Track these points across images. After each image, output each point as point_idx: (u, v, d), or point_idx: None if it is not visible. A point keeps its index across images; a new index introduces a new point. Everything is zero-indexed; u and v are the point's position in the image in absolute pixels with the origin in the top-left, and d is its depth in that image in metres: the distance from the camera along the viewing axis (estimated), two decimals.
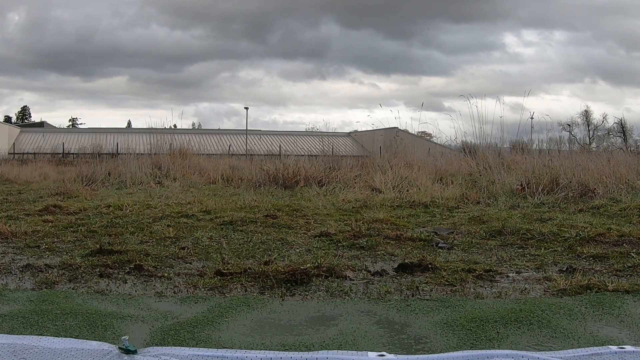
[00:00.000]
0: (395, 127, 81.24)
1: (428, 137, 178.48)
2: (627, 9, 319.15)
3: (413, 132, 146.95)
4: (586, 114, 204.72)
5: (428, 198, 8.56)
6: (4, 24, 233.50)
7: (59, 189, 10.09)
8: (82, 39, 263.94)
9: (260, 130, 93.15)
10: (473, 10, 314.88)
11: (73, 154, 69.55)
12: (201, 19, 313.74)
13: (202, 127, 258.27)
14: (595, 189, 8.37)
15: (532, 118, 63.08)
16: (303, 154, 75.20)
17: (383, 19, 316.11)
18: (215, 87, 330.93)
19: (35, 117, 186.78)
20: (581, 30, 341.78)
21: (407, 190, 9.23)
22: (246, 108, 74.33)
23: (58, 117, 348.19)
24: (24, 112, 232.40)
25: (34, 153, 69.48)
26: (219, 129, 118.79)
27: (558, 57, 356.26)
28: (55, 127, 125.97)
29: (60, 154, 40.45)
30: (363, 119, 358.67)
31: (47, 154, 69.73)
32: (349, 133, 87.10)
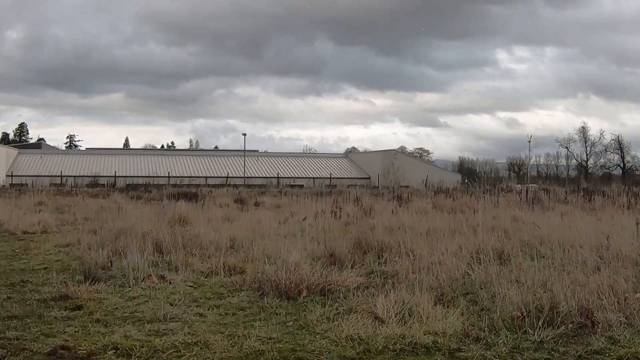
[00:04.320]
0: (392, 150, 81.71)
1: (426, 154, 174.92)
2: (615, 25, 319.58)
3: (411, 150, 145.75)
4: (583, 131, 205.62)
5: (430, 339, 8.50)
6: (2, 41, 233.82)
7: (61, 290, 9.78)
8: (80, 56, 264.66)
9: (258, 152, 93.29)
10: (464, 27, 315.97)
11: (71, 176, 69.73)
12: (196, 36, 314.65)
13: (199, 145, 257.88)
14: (594, 317, 8.34)
15: (530, 141, 62.90)
16: (301, 176, 75.46)
17: (376, 35, 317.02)
18: (212, 104, 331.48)
19: (33, 134, 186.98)
20: (571, 47, 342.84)
21: (410, 318, 9.16)
22: (244, 134, 74.34)
23: (56, 133, 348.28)
24: (22, 129, 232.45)
25: (33, 176, 69.58)
26: (216, 149, 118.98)
27: (550, 73, 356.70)
28: (52, 146, 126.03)
29: (58, 183, 40.44)
30: (360, 135, 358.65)
31: (45, 176, 69.85)
32: (345, 154, 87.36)
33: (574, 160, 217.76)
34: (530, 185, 56.19)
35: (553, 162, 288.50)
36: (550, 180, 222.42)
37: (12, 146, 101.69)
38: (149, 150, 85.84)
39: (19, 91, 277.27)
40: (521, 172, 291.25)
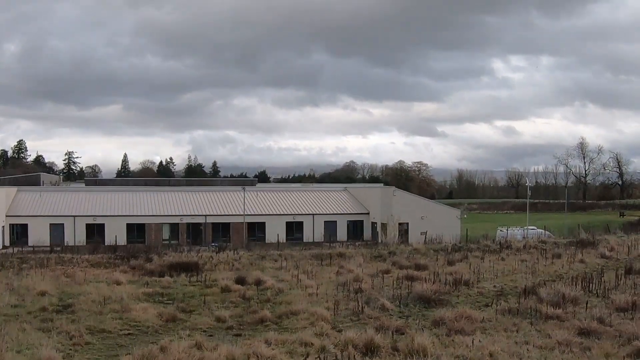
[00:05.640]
0: (392, 187, 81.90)
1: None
2: (610, 33, 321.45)
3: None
4: (582, 146, 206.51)
5: None
6: (0, 53, 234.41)
7: None
8: (78, 68, 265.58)
9: (257, 186, 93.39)
10: (460, 38, 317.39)
11: (70, 216, 69.98)
12: (193, 48, 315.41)
13: (197, 160, 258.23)
14: None
15: (529, 191, 63.05)
16: (301, 212, 75.63)
17: (372, 46, 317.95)
18: (210, 115, 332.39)
19: (31, 147, 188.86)
20: (567, 55, 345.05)
21: None
22: (253, 180, 74.11)
23: (54, 145, 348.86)
24: (20, 147, 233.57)
25: (32, 216, 69.67)
26: (215, 179, 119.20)
27: (546, 82, 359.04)
28: (51, 174, 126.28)
29: (59, 248, 40.51)
30: (358, 145, 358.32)
31: (44, 216, 70.02)
32: (345, 187, 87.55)
33: (572, 177, 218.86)
34: (531, 230, 56.36)
35: (552, 174, 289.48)
36: (549, 194, 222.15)
37: (11, 178, 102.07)
38: (147, 187, 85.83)
39: (17, 103, 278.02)
40: (519, 186, 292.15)
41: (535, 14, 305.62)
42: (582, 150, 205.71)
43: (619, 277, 28.47)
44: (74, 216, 70.68)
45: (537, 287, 25.75)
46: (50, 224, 70.15)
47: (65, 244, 68.32)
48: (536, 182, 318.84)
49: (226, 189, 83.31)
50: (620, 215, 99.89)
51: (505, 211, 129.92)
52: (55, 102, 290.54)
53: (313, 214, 76.16)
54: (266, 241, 73.65)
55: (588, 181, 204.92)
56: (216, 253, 38.32)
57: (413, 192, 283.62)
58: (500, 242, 43.88)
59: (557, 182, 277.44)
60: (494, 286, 27.52)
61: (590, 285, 26.23)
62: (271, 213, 75.62)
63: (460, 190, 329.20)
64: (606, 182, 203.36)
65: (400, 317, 21.23)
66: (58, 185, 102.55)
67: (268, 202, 78.44)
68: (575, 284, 26.15)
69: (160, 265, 34.24)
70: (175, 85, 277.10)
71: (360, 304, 22.67)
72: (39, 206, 72.86)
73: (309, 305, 22.59)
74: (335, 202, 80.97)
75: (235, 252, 38.52)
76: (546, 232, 56.09)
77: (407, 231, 72.32)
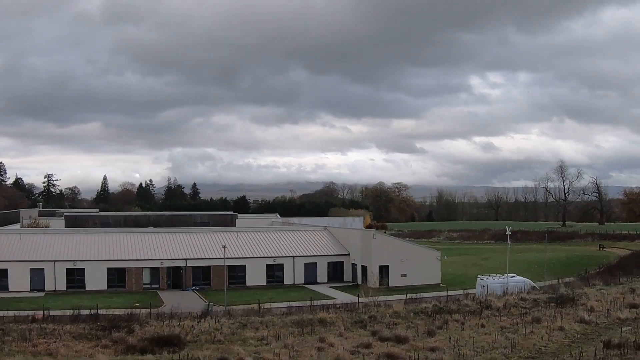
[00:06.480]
0: (372, 230, 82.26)
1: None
2: (587, 49, 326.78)
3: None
4: (561, 169, 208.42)
5: None
6: None
7: None
8: (57, 85, 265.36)
9: (237, 226, 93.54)
10: (437, 54, 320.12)
11: (50, 261, 69.63)
12: (172, 66, 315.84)
13: (177, 181, 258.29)
14: None
15: (509, 240, 63.40)
16: (281, 254, 75.80)
17: (350, 64, 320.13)
18: (189, 132, 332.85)
19: (9, 164, 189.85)
20: (544, 71, 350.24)
21: None
22: (224, 246, 74.62)
23: (33, 162, 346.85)
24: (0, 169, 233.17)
25: (13, 261, 69.23)
26: (195, 213, 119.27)
27: (524, 97, 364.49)
28: (31, 212, 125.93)
29: (40, 318, 40.32)
30: (338, 162, 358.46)
31: (25, 261, 69.56)
32: (325, 227, 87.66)
33: (551, 199, 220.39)
34: (511, 278, 56.57)
35: (532, 193, 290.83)
36: (528, 213, 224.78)
37: None
38: (127, 229, 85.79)
39: None
40: (498, 208, 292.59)
41: (512, 31, 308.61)
42: (561, 174, 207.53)
43: (597, 351, 28.88)
44: (54, 261, 70.31)
45: None
46: (30, 268, 69.77)
47: (45, 290, 68.52)
48: (515, 200, 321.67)
49: (206, 230, 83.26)
50: (599, 248, 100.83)
51: (486, 241, 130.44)
52: (35, 119, 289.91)
53: (293, 256, 76.24)
54: (247, 284, 73.74)
55: (567, 204, 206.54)
56: (197, 322, 38.27)
57: (393, 214, 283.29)
58: (480, 301, 44.19)
59: (536, 199, 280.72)
60: None
61: None
62: (251, 256, 75.62)
63: (440, 210, 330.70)
64: (586, 201, 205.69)
65: None
66: (37, 221, 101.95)
67: (248, 244, 78.44)
68: None
69: (142, 339, 34.28)
70: (155, 102, 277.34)
71: None
72: (19, 250, 72.41)
73: None
74: (315, 242, 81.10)
75: (217, 320, 38.45)
76: (526, 281, 56.51)
77: (387, 272, 72.72)
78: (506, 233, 63.14)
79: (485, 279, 56.87)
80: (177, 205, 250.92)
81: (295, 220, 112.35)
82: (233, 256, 73.75)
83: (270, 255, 76.03)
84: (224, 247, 64.86)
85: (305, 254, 77.43)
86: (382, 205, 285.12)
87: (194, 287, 72.22)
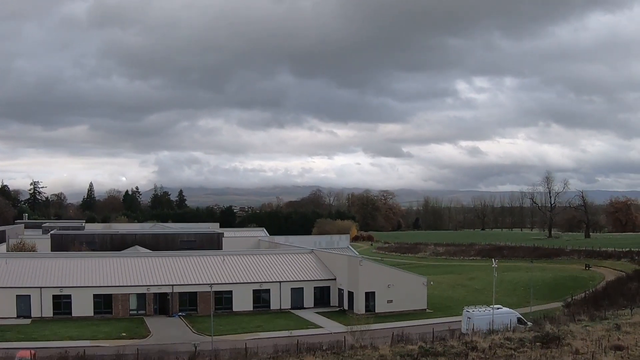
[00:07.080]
0: (359, 257, 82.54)
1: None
2: (572, 54, 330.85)
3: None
4: (547, 180, 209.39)
5: None
6: None
7: None
8: (44, 89, 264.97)
9: (224, 251, 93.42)
10: (423, 59, 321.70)
11: (36, 288, 69.30)
12: (159, 69, 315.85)
13: (163, 187, 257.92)
14: None
15: (495, 272, 63.47)
16: (267, 280, 75.82)
17: (336, 68, 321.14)
18: (175, 136, 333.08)
19: None
20: (530, 76, 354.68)
21: None
22: (211, 286, 74.40)
23: (20, 165, 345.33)
24: None
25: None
26: (181, 231, 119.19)
27: (510, 102, 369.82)
28: (17, 229, 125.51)
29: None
30: (324, 166, 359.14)
31: (11, 287, 69.17)
32: (312, 250, 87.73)
33: (537, 209, 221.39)
34: (497, 310, 56.78)
35: (518, 199, 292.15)
36: (514, 220, 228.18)
37: None
38: (114, 253, 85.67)
39: None
40: (485, 217, 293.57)
41: (498, 36, 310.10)
42: (547, 185, 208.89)
43: None
44: (41, 287, 70.03)
45: None
46: (16, 295, 69.43)
47: (32, 317, 68.20)
48: (502, 206, 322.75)
49: (192, 254, 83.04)
50: (585, 267, 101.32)
51: (472, 257, 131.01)
52: (22, 122, 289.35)
53: (280, 282, 76.28)
54: (233, 309, 73.64)
55: (554, 211, 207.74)
56: None
57: (380, 222, 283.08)
58: (465, 342, 44.36)
59: (522, 205, 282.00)
60: None
61: None
62: (238, 281, 75.55)
63: (427, 216, 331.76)
64: (572, 210, 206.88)
65: None
66: (22, 242, 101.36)
67: (235, 269, 78.39)
68: None
69: None
70: (142, 106, 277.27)
71: None
72: (5, 275, 71.99)
73: None
74: (302, 266, 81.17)
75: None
76: (512, 314, 56.94)
77: (374, 298, 72.89)
78: (493, 266, 63.36)
79: (471, 310, 57.08)
80: (164, 214, 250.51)
81: (282, 239, 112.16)
82: (219, 282, 73.76)
83: (256, 281, 76.00)
84: (211, 285, 64.73)
85: (291, 279, 77.47)
86: (368, 214, 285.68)
87: (180, 313, 72.06)
